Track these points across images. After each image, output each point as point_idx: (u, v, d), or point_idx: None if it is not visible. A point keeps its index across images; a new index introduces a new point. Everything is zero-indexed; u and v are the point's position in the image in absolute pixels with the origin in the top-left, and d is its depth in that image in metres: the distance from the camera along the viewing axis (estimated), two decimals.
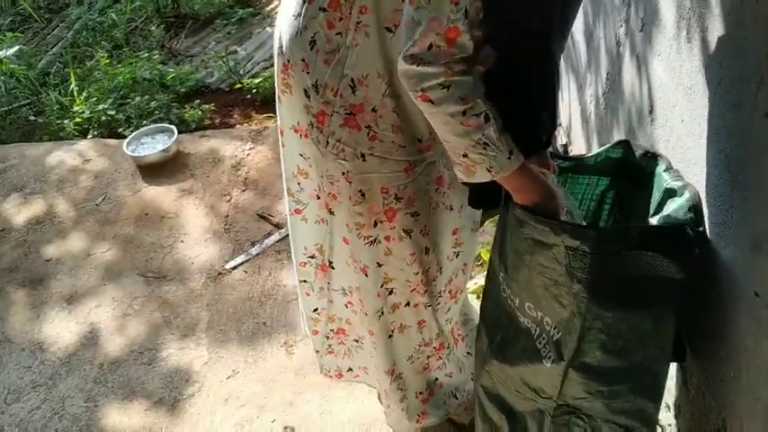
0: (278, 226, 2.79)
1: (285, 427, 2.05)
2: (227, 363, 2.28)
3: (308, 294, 1.73)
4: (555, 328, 1.28)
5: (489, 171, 1.17)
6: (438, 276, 1.58)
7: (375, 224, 1.44)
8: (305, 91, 1.36)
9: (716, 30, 1.21)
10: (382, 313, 1.59)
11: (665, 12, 1.47)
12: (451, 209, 1.51)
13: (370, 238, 1.46)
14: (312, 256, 1.64)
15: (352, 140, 1.34)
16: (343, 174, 1.39)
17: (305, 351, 2.26)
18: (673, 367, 1.66)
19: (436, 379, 1.78)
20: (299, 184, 1.55)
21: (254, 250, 2.69)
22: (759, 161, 1.09)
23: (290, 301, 2.46)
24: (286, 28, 1.36)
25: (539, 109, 1.24)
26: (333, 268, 1.62)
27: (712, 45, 1.23)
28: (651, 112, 1.61)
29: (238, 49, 4.41)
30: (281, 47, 1.40)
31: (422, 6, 1.06)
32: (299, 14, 1.33)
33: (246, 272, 2.61)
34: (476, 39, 1.09)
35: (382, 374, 1.72)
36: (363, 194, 1.40)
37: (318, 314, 1.75)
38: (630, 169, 1.43)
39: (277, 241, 2.72)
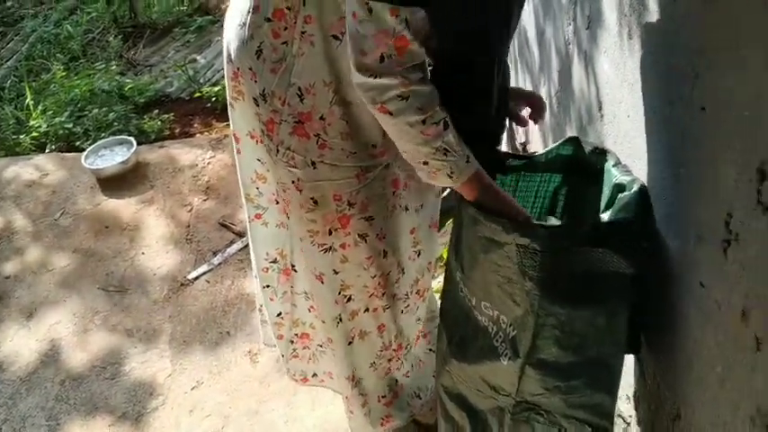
0: (240, 234, 2.77)
1: None
2: (190, 374, 2.26)
3: (271, 299, 1.72)
4: (510, 325, 1.29)
5: (450, 177, 1.19)
6: (401, 278, 1.58)
7: (330, 232, 1.43)
8: (254, 99, 1.35)
9: (653, 26, 1.23)
10: (340, 320, 1.58)
11: (608, 9, 1.49)
12: (407, 209, 1.51)
13: (325, 246, 1.46)
14: (274, 261, 1.64)
15: (301, 148, 1.34)
16: (293, 182, 1.38)
17: (269, 359, 2.25)
18: (630, 360, 1.68)
19: (396, 381, 1.79)
20: (257, 188, 1.55)
21: (216, 260, 2.67)
22: (698, 155, 1.11)
23: (253, 309, 2.44)
24: (233, 37, 1.36)
25: (482, 111, 1.25)
26: (295, 271, 1.62)
27: (651, 41, 1.25)
28: (600, 108, 1.64)
29: (198, 58, 4.38)
30: (229, 55, 1.39)
31: (365, 20, 1.07)
32: (245, 24, 1.32)
33: (209, 282, 2.59)
34: (429, 46, 1.11)
35: (343, 381, 1.72)
36: (316, 202, 1.39)
37: (282, 318, 1.74)
38: (581, 165, 1.45)
39: (239, 250, 2.70)
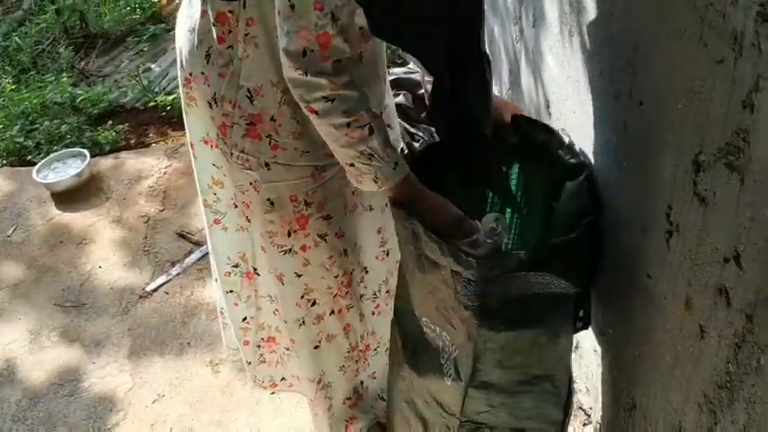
0: (198, 244, 2.74)
1: None
2: (151, 387, 2.22)
3: (235, 304, 1.71)
4: (452, 345, 1.28)
5: (375, 182, 1.21)
6: (365, 276, 1.58)
7: (289, 234, 1.43)
8: (208, 103, 1.36)
9: (592, 24, 1.25)
10: (303, 323, 1.57)
11: (549, 8, 1.52)
12: (371, 209, 1.51)
13: (284, 248, 1.46)
14: (236, 265, 1.63)
15: (254, 150, 1.34)
16: (251, 183, 1.39)
17: (231, 369, 2.23)
18: (589, 352, 1.71)
19: (362, 382, 1.78)
20: (215, 194, 1.54)
21: (174, 270, 2.64)
22: (639, 148, 1.13)
23: (213, 318, 2.42)
24: (184, 42, 1.36)
25: (478, 104, 1.28)
26: (258, 275, 1.61)
27: (591, 38, 1.28)
28: (548, 106, 1.66)
29: (152, 67, 4.32)
30: (181, 61, 1.39)
31: (288, 16, 1.09)
32: (194, 29, 1.33)
33: (168, 293, 2.56)
34: (360, 45, 1.11)
35: (308, 383, 1.71)
36: (272, 203, 1.40)
37: (248, 323, 1.73)
38: (531, 148, 1.42)
39: (198, 260, 2.67)
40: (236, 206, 1.51)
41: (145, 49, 4.52)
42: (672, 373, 1.15)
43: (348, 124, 1.15)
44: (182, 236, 2.80)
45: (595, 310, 1.54)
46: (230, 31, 1.26)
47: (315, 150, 1.35)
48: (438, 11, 1.17)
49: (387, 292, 1.64)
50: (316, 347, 1.62)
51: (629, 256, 1.26)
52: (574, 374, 1.80)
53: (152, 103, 3.82)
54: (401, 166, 1.21)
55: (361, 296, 1.59)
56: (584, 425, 1.75)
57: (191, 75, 1.37)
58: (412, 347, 1.41)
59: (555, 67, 1.56)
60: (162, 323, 2.44)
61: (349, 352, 1.67)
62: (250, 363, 1.81)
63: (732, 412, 0.96)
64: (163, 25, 4.70)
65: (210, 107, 1.35)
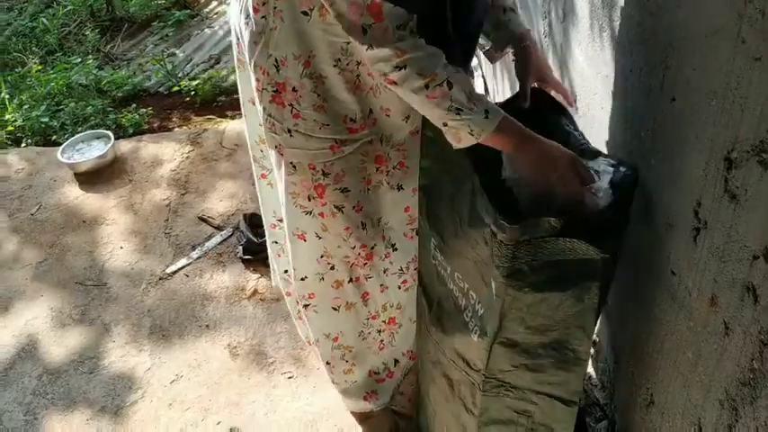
0: (219, 228, 2.77)
1: (231, 429, 2.04)
2: (170, 367, 2.25)
3: (279, 255, 1.79)
4: (479, 303, 1.31)
5: (472, 134, 1.20)
6: (391, 253, 1.59)
7: (309, 198, 1.48)
8: (250, 66, 1.42)
9: (625, 19, 1.25)
10: (323, 278, 1.61)
11: (580, 3, 1.51)
12: (401, 188, 1.52)
13: (306, 209, 1.50)
14: (280, 220, 1.68)
15: (279, 116, 1.40)
16: (276, 147, 1.45)
17: (249, 352, 2.25)
18: (605, 347, 1.71)
19: (396, 361, 1.80)
20: (261, 151, 1.63)
21: (194, 253, 2.66)
22: (669, 145, 1.13)
23: (232, 303, 2.44)
24: (236, 9, 1.43)
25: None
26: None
27: (623, 34, 1.27)
28: (576, 101, 1.66)
29: (176, 52, 4.36)
30: (233, 26, 1.47)
31: (334, 1, 1.13)
32: None
33: (188, 275, 2.58)
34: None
35: (322, 338, 1.72)
36: (294, 167, 1.45)
37: (289, 276, 1.78)
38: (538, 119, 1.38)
39: (218, 243, 2.70)
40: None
41: (170, 34, 4.56)
42: (694, 369, 1.16)
43: (426, 86, 1.17)
44: (203, 220, 2.82)
45: (616, 304, 1.54)
46: (264, 3, 1.31)
47: (335, 124, 1.38)
48: None
49: (415, 269, 1.66)
50: (334, 309, 1.66)
51: (652, 251, 1.26)
52: (590, 370, 1.81)
53: (176, 88, 3.86)
54: (493, 113, 1.20)
55: (386, 270, 1.61)
56: (599, 420, 1.76)
57: (238, 39, 1.45)
58: (437, 307, 1.45)
59: (584, 62, 1.56)
60: (181, 305, 2.47)
61: (368, 319, 1.69)
62: (292, 314, 1.90)
63: (754, 409, 0.96)
64: (188, 11, 4.74)
65: (250, 69, 1.43)
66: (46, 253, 2.77)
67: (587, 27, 1.47)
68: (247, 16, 1.36)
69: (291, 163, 1.44)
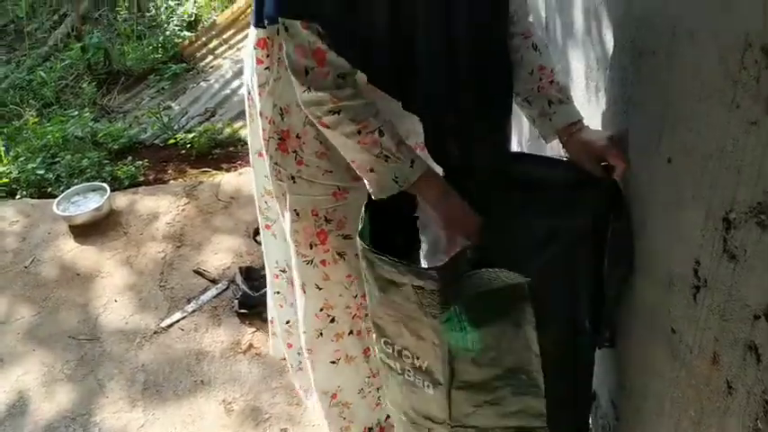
0: (214, 281, 2.76)
1: None
2: (163, 424, 2.22)
3: (281, 306, 1.81)
4: (417, 358, 1.31)
5: (396, 181, 1.27)
6: None
7: (310, 246, 1.51)
8: (259, 117, 1.47)
9: (621, 80, 1.28)
10: (321, 334, 1.61)
11: (576, 64, 1.55)
12: None
13: (307, 258, 1.52)
14: (283, 270, 1.73)
15: (284, 163, 1.44)
16: (283, 194, 1.49)
17: (244, 408, 2.23)
18: (605, 403, 1.70)
19: (388, 416, 1.78)
20: (266, 202, 1.67)
21: (189, 307, 2.65)
22: (665, 204, 1.15)
23: (228, 357, 2.42)
24: (248, 61, 1.49)
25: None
26: (294, 286, 1.68)
27: (619, 95, 1.31)
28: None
29: (172, 105, 4.41)
30: (246, 79, 1.54)
31: (286, 39, 1.21)
32: (249, 53, 1.46)
33: (183, 329, 2.56)
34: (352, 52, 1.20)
35: (321, 395, 1.71)
36: (298, 214, 1.48)
37: (290, 327, 1.80)
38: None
39: (214, 297, 2.69)
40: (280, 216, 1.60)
41: (165, 87, 4.62)
42: (696, 428, 1.15)
43: (359, 131, 1.23)
44: (198, 273, 2.82)
45: (615, 359, 1.54)
46: (268, 55, 1.38)
47: (337, 171, 1.42)
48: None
49: None
50: (333, 363, 1.65)
51: (651, 308, 1.27)
52: (590, 424, 1.79)
53: (171, 141, 3.89)
54: (418, 163, 1.27)
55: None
56: None
57: (249, 92, 1.52)
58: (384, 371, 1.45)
59: None
60: (176, 360, 2.44)
61: (369, 377, 1.68)
62: (292, 366, 1.88)
63: None
64: (184, 65, 4.81)
65: (259, 120, 1.48)
66: (39, 306, 2.75)
67: (582, 86, 1.51)
68: (254, 69, 1.42)
69: (295, 210, 1.47)
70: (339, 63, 1.21)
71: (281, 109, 1.39)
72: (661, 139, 1.13)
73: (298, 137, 1.40)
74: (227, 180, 3.41)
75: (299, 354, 1.82)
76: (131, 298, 2.74)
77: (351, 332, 1.60)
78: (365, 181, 1.30)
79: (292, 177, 1.44)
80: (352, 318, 1.58)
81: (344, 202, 1.45)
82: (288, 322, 1.80)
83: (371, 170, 1.27)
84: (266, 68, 1.39)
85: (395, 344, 1.34)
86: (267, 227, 1.72)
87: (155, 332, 2.57)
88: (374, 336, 1.40)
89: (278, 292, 1.79)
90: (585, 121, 1.52)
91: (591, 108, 1.47)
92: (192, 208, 3.21)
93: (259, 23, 1.36)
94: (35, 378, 2.43)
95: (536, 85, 1.38)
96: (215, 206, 3.21)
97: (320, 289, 1.55)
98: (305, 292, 1.57)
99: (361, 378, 1.68)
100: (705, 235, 1.01)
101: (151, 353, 2.48)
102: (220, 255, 2.91)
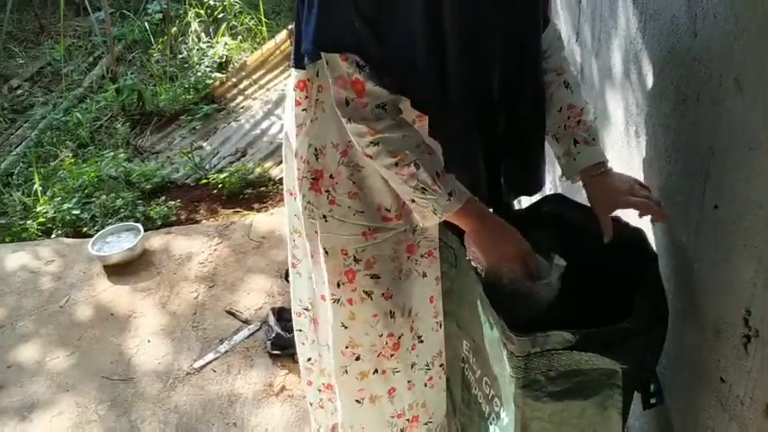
0: (246, 322, 2.77)
1: None
2: None
3: (302, 343, 1.81)
4: (504, 410, 1.28)
5: (435, 213, 1.29)
6: (417, 345, 1.59)
7: (338, 285, 1.51)
8: (294, 157, 1.50)
9: (663, 126, 1.28)
10: (346, 371, 1.60)
11: (614, 109, 1.55)
12: (425, 276, 1.54)
13: (334, 296, 1.53)
14: (307, 308, 1.73)
15: (316, 202, 1.46)
16: (315, 232, 1.50)
17: None
18: None
19: None
20: (294, 241, 1.68)
21: (222, 347, 2.66)
22: (712, 251, 1.14)
23: (260, 399, 2.41)
24: (287, 102, 1.53)
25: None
26: (318, 324, 1.70)
27: (660, 140, 1.30)
28: None
29: (204, 145, 4.47)
30: (285, 121, 1.57)
31: (328, 72, 1.25)
32: (290, 92, 1.48)
33: (215, 370, 2.56)
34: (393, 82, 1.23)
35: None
36: (327, 252, 1.49)
37: (312, 364, 1.80)
38: (565, 221, 1.44)
39: (246, 338, 2.69)
40: (312, 256, 1.60)
41: (197, 127, 4.69)
42: None
43: (396, 164, 1.26)
44: (230, 313, 2.83)
45: (661, 410, 1.51)
46: (306, 97, 1.40)
47: (368, 211, 1.44)
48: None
49: (440, 365, 1.65)
50: (357, 402, 1.64)
51: (699, 357, 1.24)
52: None
53: (203, 181, 3.94)
54: (457, 195, 1.28)
55: (413, 365, 1.60)
56: None
57: (286, 133, 1.55)
58: (460, 414, 1.43)
59: (617, 166, 1.58)
60: (208, 402, 2.44)
61: (393, 417, 1.66)
62: (312, 404, 1.88)
63: None
64: (215, 105, 4.89)
65: (294, 161, 1.50)
66: (73, 346, 2.77)
67: (622, 131, 1.51)
68: (292, 110, 1.45)
69: (324, 248, 1.48)
70: (378, 93, 1.23)
71: (315, 149, 1.42)
72: (706, 185, 1.12)
73: (331, 177, 1.42)
74: (259, 220, 3.44)
75: (319, 391, 1.83)
76: (164, 338, 2.76)
77: (375, 371, 1.60)
78: (413, 211, 1.34)
79: (324, 216, 1.46)
80: (378, 356, 1.58)
81: (374, 242, 1.46)
82: (309, 359, 1.81)
83: (412, 201, 1.30)
84: (304, 110, 1.42)
85: (492, 387, 1.33)
86: (294, 265, 1.73)
87: (188, 373, 2.57)
88: (478, 373, 1.39)
89: (300, 330, 1.80)
90: (624, 166, 1.52)
91: (630, 152, 1.46)
92: (224, 248, 3.24)
93: (298, 64, 1.39)
94: (69, 419, 2.44)
95: (563, 123, 1.40)
96: (247, 246, 3.23)
97: (345, 328, 1.55)
98: (331, 330, 1.58)
99: (386, 418, 1.67)
100: (756, 284, 1.00)
101: (184, 394, 2.48)
102: (253, 295, 2.92)
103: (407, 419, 1.68)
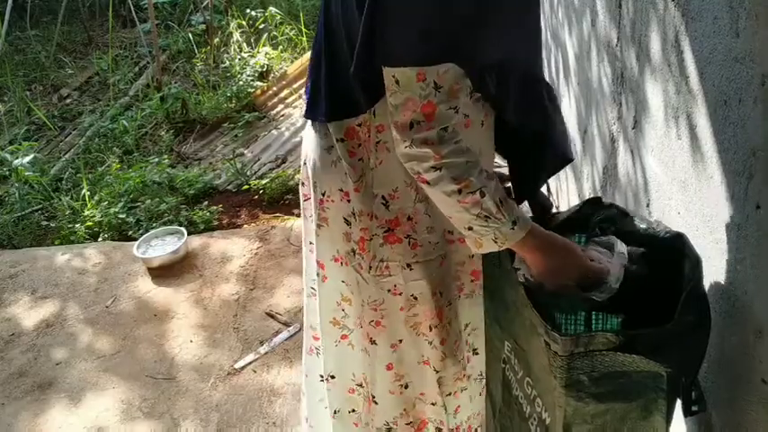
0: (286, 324, 2.81)
1: None
2: None
3: (355, 425, 1.64)
4: (546, 411, 1.29)
5: (495, 242, 1.23)
6: (471, 357, 1.55)
7: (430, 328, 1.43)
8: (345, 219, 1.38)
9: (705, 127, 1.28)
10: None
11: (656, 110, 1.56)
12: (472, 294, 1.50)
13: (428, 338, 1.44)
14: (360, 385, 1.59)
15: (395, 255, 1.35)
16: (389, 291, 1.39)
17: None
18: None
19: None
20: (343, 310, 1.51)
21: (262, 349, 2.70)
22: (755, 252, 1.13)
23: (299, 399, 2.44)
24: (317, 161, 1.40)
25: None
26: (376, 403, 1.56)
27: (702, 141, 1.30)
28: (648, 205, 1.68)
29: (245, 152, 4.55)
30: (314, 183, 1.42)
31: (395, 91, 1.15)
32: (332, 147, 1.35)
33: (255, 371, 2.61)
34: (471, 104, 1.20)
35: None
36: (416, 298, 1.40)
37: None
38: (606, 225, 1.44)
39: (286, 339, 2.73)
40: (361, 326, 1.49)
41: (239, 134, 4.78)
42: None
43: (459, 191, 1.17)
44: (270, 315, 2.87)
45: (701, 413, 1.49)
46: (360, 144, 1.30)
47: (441, 240, 1.37)
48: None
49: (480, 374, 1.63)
50: None
51: (740, 359, 1.24)
52: None
53: (245, 187, 4.02)
54: (521, 223, 1.22)
55: (468, 376, 1.55)
56: None
57: (324, 194, 1.39)
58: (500, 415, 1.43)
59: (657, 168, 1.58)
60: (248, 401, 2.48)
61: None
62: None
63: None
64: (256, 113, 4.97)
65: (347, 223, 1.38)
66: (119, 345, 2.85)
67: (662, 134, 1.51)
68: (334, 167, 1.34)
69: (412, 295, 1.39)
70: (448, 116, 1.14)
71: (383, 198, 1.31)
72: (749, 186, 1.12)
73: (409, 219, 1.33)
74: (299, 224, 3.48)
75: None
76: (206, 338, 2.81)
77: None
78: (465, 238, 1.26)
79: (408, 265, 1.36)
80: (455, 381, 1.52)
81: (446, 267, 1.39)
82: (322, 377, 1.65)
83: (470, 228, 1.22)
84: (359, 159, 1.30)
85: (535, 387, 1.32)
86: (344, 337, 1.54)
87: (228, 373, 2.62)
88: (520, 374, 1.39)
89: (353, 410, 1.62)
90: (666, 168, 1.52)
91: (672, 154, 1.46)
92: (264, 252, 3.30)
93: (339, 115, 1.30)
94: (114, 414, 2.51)
95: None
96: (287, 250, 3.28)
97: (437, 371, 1.48)
98: (426, 375, 1.49)
99: None
100: None
101: (225, 393, 2.53)
102: (292, 297, 2.96)
103: (464, 429, 1.62)
